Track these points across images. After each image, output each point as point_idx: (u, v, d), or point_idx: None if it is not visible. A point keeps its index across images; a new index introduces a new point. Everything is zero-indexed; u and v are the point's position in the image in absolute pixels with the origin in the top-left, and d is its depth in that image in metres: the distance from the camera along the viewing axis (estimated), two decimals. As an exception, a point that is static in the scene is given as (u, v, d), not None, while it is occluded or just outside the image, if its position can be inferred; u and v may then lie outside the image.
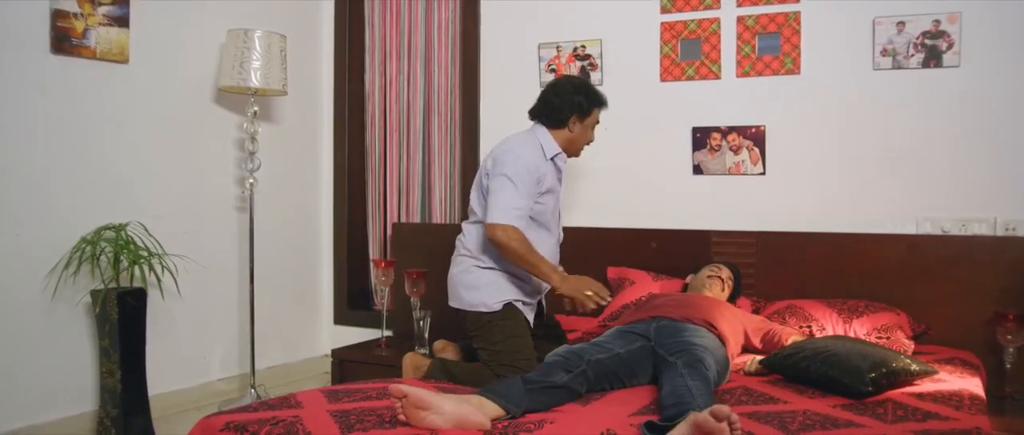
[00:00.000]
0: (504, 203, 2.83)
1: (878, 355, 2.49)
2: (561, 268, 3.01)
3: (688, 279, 3.34)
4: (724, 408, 1.88)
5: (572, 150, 3.08)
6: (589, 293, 2.85)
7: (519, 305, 2.97)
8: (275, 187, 4.22)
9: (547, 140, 3.00)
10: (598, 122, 3.10)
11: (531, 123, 3.10)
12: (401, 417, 2.07)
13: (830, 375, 2.44)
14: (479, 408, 2.13)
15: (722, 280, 3.20)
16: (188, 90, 3.81)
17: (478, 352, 2.97)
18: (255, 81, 3.67)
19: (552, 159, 3.00)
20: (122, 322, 3.23)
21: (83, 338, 3.37)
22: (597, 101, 3.04)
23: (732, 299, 3.23)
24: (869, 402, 2.34)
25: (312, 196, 4.57)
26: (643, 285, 3.50)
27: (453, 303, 3.05)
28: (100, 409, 3.33)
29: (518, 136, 3.02)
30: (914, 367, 2.51)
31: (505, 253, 2.86)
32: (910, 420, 2.18)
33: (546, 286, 3.06)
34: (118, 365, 3.24)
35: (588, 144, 3.13)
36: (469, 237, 3.05)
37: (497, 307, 2.94)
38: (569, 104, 2.98)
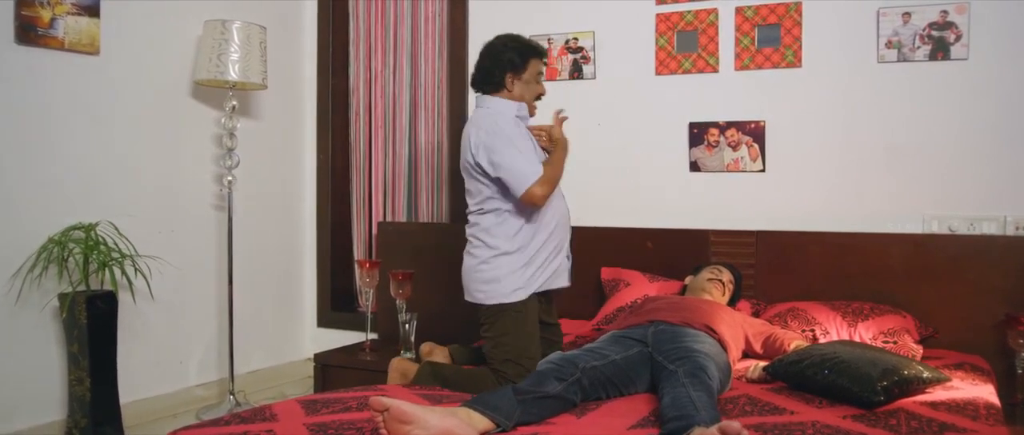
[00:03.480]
0: (522, 168, 2.71)
1: (888, 362, 2.37)
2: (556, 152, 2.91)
3: (687, 280, 3.21)
4: (734, 424, 1.75)
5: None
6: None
7: (536, 299, 2.85)
8: (255, 185, 4.09)
9: (501, 105, 2.87)
10: (541, 72, 2.94)
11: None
12: (383, 432, 1.94)
13: (839, 383, 2.32)
14: (467, 421, 2.02)
15: (723, 283, 3.08)
16: (163, 83, 3.67)
17: (486, 339, 2.84)
18: (233, 74, 3.53)
19: (518, 117, 2.88)
20: (91, 327, 3.10)
21: (50, 344, 3.23)
22: (531, 52, 2.90)
23: (732, 303, 3.11)
24: (880, 412, 2.22)
25: (294, 194, 4.44)
26: (639, 286, 3.38)
27: (469, 297, 2.90)
28: (68, 418, 3.19)
29: (477, 117, 2.87)
30: (926, 374, 2.40)
31: (550, 193, 2.76)
32: (925, 432, 2.07)
33: (567, 264, 2.99)
34: (87, 372, 3.10)
35: (539, 98, 2.96)
36: (481, 225, 2.87)
37: (514, 298, 2.80)
38: (500, 64, 2.85)
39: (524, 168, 2.71)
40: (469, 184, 2.90)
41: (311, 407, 2.28)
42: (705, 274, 3.13)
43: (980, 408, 2.27)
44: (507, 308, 2.79)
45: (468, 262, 2.89)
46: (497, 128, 2.77)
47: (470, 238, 2.92)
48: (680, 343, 2.47)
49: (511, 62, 2.84)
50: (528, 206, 2.77)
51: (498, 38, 2.92)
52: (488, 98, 2.89)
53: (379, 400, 1.94)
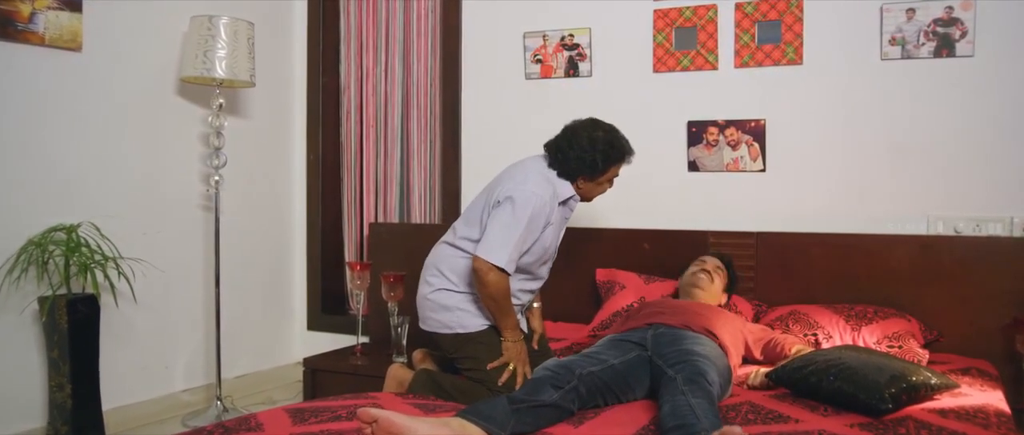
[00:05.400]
0: (505, 242, 2.55)
1: (895, 368, 2.30)
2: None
3: (679, 281, 3.14)
4: (735, 429, 1.69)
5: (582, 198, 2.80)
6: (517, 368, 2.64)
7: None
8: (243, 185, 4.00)
9: (558, 186, 2.71)
10: (617, 175, 2.79)
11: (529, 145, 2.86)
12: None
13: (845, 390, 2.24)
14: (460, 432, 1.95)
15: (709, 272, 3.00)
16: (147, 80, 3.58)
17: (466, 373, 2.73)
18: (220, 71, 3.44)
19: (564, 202, 2.74)
20: (72, 331, 3.01)
21: (30, 349, 3.14)
22: (616, 159, 2.72)
23: (731, 289, 3.05)
24: (888, 420, 2.15)
25: (283, 194, 4.35)
26: (634, 289, 3.31)
27: (425, 326, 2.80)
28: (49, 426, 3.11)
29: (535, 168, 2.70)
30: (934, 380, 2.32)
31: (485, 292, 2.59)
32: (937, 442, 1.99)
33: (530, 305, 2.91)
34: (68, 378, 3.02)
35: (602, 193, 2.84)
36: (445, 261, 2.75)
37: (476, 328, 2.71)
38: (580, 162, 2.65)
39: (501, 250, 2.54)
40: (474, 216, 2.73)
41: (298, 416, 2.20)
42: (690, 269, 3.04)
43: (991, 415, 2.21)
44: (472, 335, 2.70)
45: (422, 289, 2.79)
46: (527, 199, 2.58)
47: (429, 266, 2.80)
48: (679, 346, 2.41)
49: (592, 165, 2.65)
50: (473, 268, 2.61)
51: (591, 131, 2.67)
52: (552, 172, 2.72)
53: (367, 411, 1.88)
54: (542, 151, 2.78)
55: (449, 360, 2.83)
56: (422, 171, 4.19)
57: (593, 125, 2.71)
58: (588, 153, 2.65)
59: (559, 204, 2.71)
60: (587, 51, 3.70)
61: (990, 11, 3.06)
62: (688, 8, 3.50)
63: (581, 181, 2.72)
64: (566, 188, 2.71)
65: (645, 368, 2.41)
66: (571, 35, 3.72)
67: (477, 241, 2.64)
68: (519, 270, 2.69)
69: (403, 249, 3.82)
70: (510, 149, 2.93)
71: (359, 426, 1.92)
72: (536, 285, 2.86)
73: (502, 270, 2.55)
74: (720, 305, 3.00)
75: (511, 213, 2.57)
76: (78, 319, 3.02)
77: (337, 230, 4.44)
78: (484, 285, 2.57)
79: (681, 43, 3.53)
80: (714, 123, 3.46)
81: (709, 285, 2.97)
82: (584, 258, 3.50)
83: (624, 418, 2.21)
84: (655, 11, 3.56)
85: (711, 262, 3.04)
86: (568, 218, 2.82)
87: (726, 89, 3.47)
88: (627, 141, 2.75)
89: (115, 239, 3.22)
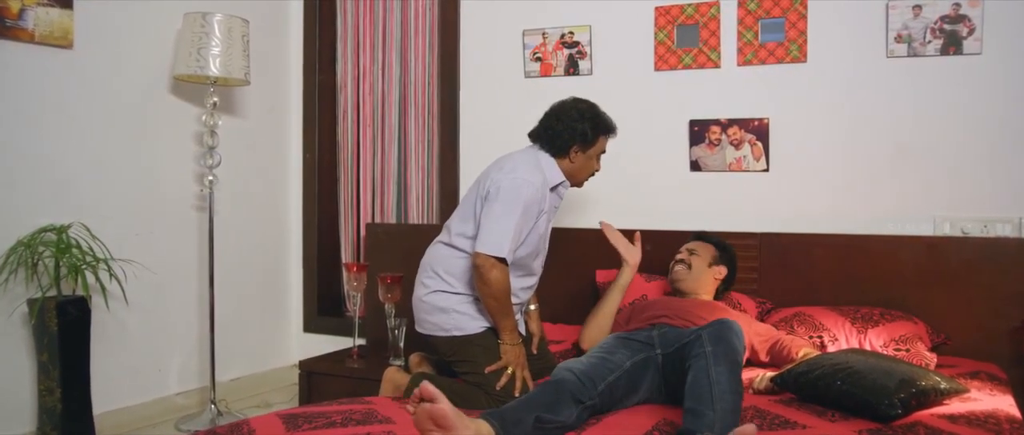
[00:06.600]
0: (503, 233, 2.52)
1: (904, 372, 2.24)
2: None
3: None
4: (749, 428, 1.75)
5: (573, 180, 2.79)
6: (516, 372, 2.61)
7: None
8: (238, 185, 3.95)
9: (550, 167, 2.70)
10: (604, 151, 2.81)
11: (525, 140, 2.81)
12: (408, 411, 1.94)
13: (853, 395, 2.19)
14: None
15: (684, 259, 2.96)
16: (140, 78, 3.53)
17: (463, 376, 2.68)
18: (214, 69, 3.39)
19: (554, 189, 2.72)
20: (62, 334, 2.96)
21: (19, 352, 3.08)
22: (604, 129, 2.74)
23: (724, 259, 2.98)
24: (897, 426, 2.10)
25: (279, 195, 4.30)
26: (635, 287, 3.24)
27: (421, 329, 2.76)
28: (38, 430, 3.05)
29: (523, 157, 2.70)
30: (943, 385, 2.27)
31: (486, 290, 2.55)
32: (948, 449, 1.94)
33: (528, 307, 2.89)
34: (58, 382, 2.96)
35: (592, 175, 2.84)
36: (440, 262, 2.71)
37: (473, 331, 2.65)
38: (571, 132, 2.67)
39: (500, 241, 2.52)
40: (467, 211, 2.70)
41: (292, 422, 2.15)
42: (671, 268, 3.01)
43: (1002, 422, 2.15)
44: (470, 337, 2.65)
45: (418, 291, 2.75)
46: (518, 187, 2.56)
47: (425, 267, 2.76)
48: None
49: (583, 135, 2.67)
50: (473, 265, 2.58)
51: (575, 104, 2.72)
52: (542, 155, 2.71)
53: (429, 388, 1.88)
54: (529, 144, 2.78)
55: (446, 363, 2.78)
56: (420, 171, 4.13)
57: (574, 100, 2.77)
58: (578, 122, 2.68)
59: (550, 190, 2.70)
60: (587, 49, 3.64)
61: (998, 8, 3.01)
62: (690, 5, 3.45)
63: (574, 153, 2.70)
64: (556, 174, 2.71)
65: (651, 368, 2.39)
66: (571, 33, 3.67)
67: (472, 237, 2.61)
68: (515, 266, 2.65)
69: (400, 250, 3.77)
70: (509, 148, 2.87)
71: (361, 429, 1.89)
72: (532, 282, 2.82)
73: (503, 262, 2.53)
74: (716, 280, 2.97)
75: (505, 203, 2.55)
76: (68, 322, 2.97)
77: (333, 231, 4.38)
78: (486, 283, 2.53)
79: (683, 41, 3.48)
80: (717, 122, 3.41)
81: (689, 273, 2.94)
82: (584, 259, 3.45)
83: (626, 422, 2.17)
84: (656, 8, 3.50)
85: (685, 248, 3.00)
86: (557, 208, 2.80)
87: (729, 88, 3.42)
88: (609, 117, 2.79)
89: (107, 240, 3.17)
